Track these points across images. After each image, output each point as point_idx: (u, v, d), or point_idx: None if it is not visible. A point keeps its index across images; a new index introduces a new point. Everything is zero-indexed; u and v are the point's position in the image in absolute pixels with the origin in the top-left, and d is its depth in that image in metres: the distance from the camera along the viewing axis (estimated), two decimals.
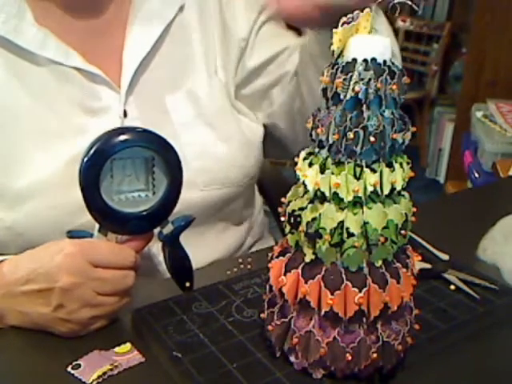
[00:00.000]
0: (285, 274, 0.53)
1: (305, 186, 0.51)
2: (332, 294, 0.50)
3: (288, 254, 0.54)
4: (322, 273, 0.51)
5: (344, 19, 0.48)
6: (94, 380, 0.54)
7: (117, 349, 0.58)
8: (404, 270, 0.52)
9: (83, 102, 0.73)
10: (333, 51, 0.49)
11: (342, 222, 0.49)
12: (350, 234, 0.49)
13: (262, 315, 0.57)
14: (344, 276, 0.50)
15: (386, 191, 0.49)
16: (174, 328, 0.60)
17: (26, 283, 0.58)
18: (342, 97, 0.48)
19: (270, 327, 0.55)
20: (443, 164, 3.13)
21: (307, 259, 0.52)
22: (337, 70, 0.48)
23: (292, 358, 0.55)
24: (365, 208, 0.49)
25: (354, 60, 0.48)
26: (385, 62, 0.48)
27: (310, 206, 0.50)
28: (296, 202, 0.52)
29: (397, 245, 0.51)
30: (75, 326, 0.59)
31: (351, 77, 0.48)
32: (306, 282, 0.51)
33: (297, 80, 0.85)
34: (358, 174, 0.49)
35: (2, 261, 0.62)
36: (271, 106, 0.87)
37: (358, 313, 0.50)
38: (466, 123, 2.35)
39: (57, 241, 0.60)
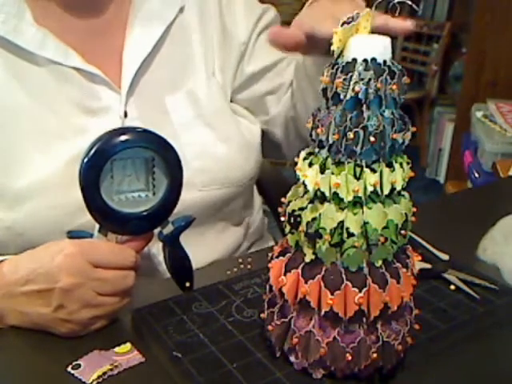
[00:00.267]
0: (285, 274, 0.53)
1: (305, 185, 0.51)
2: (332, 294, 0.50)
3: (288, 254, 0.54)
4: (322, 273, 0.51)
5: (344, 19, 0.48)
6: (93, 380, 0.54)
7: (117, 349, 0.58)
8: (404, 269, 0.52)
9: (82, 102, 0.73)
10: (333, 51, 0.49)
11: (341, 222, 0.49)
12: (350, 234, 0.49)
13: (262, 315, 0.57)
14: (344, 276, 0.50)
15: (386, 191, 0.49)
16: (174, 328, 0.60)
17: (26, 283, 0.58)
18: (341, 97, 0.48)
19: (270, 327, 0.55)
20: (443, 164, 3.13)
21: (307, 259, 0.52)
22: (337, 69, 0.48)
23: (292, 358, 0.55)
24: (365, 208, 0.49)
25: (354, 60, 0.48)
26: (385, 62, 0.48)
27: (309, 206, 0.50)
28: (296, 202, 0.52)
29: (397, 245, 0.51)
30: (75, 327, 0.59)
31: (351, 77, 0.48)
32: (306, 282, 0.51)
33: (291, 92, 0.86)
34: (358, 174, 0.49)
35: (1, 261, 0.62)
36: (267, 114, 0.88)
37: (357, 313, 0.50)
38: (465, 123, 2.35)
39: (57, 241, 0.60)
